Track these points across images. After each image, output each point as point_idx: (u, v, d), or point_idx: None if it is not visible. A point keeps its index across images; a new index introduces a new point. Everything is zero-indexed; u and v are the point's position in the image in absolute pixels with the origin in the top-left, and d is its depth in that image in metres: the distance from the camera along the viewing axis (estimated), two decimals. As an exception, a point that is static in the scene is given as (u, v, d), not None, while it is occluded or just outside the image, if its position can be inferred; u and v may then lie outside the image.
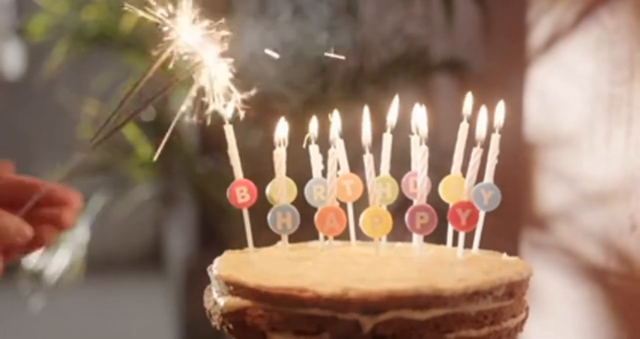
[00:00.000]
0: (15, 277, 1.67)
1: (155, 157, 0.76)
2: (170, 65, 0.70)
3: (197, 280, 0.87)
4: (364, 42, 1.63)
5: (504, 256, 0.77)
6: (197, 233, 2.27)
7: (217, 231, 1.65)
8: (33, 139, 3.09)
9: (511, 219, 1.30)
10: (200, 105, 0.72)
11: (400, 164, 0.82)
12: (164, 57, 0.69)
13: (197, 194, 1.77)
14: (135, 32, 1.57)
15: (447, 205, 0.77)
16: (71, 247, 1.61)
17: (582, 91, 1.17)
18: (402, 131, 0.80)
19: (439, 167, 0.82)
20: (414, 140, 0.78)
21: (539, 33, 1.27)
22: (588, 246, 1.16)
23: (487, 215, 0.76)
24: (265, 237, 0.80)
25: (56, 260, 1.60)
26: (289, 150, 0.77)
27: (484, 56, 1.47)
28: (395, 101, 0.80)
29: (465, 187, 0.76)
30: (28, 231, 0.68)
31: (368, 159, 0.77)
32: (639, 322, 1.09)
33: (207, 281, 0.76)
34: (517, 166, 1.30)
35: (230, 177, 0.79)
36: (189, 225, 2.32)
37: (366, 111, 0.78)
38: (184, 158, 1.70)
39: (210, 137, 1.74)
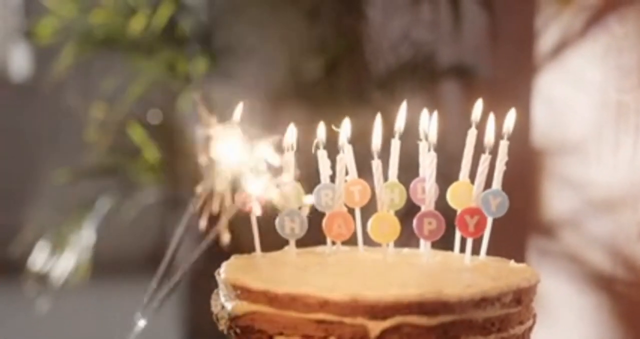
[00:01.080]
0: (21, 279, 1.67)
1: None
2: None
3: (202, 284, 0.87)
4: (371, 47, 1.63)
5: (512, 262, 0.77)
6: (202, 237, 2.27)
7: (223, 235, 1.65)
8: (40, 141, 3.10)
9: (518, 226, 1.30)
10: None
11: (408, 170, 0.82)
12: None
13: (204, 198, 1.77)
14: (142, 35, 1.58)
15: (454, 211, 0.77)
16: (77, 250, 1.61)
17: (589, 98, 1.17)
18: (410, 136, 0.80)
19: (446, 174, 0.82)
20: (422, 146, 0.78)
21: (546, 40, 1.27)
22: (595, 253, 1.16)
23: (494, 222, 0.76)
24: (273, 241, 0.80)
25: (62, 262, 1.60)
26: (297, 155, 0.77)
27: (491, 62, 1.47)
28: (403, 106, 0.80)
29: (474, 193, 0.76)
30: None
31: (376, 164, 0.77)
32: (645, 330, 1.09)
33: (213, 285, 0.76)
34: (524, 172, 1.30)
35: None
36: (194, 229, 2.31)
37: (378, 117, 0.78)
38: (191, 162, 1.70)
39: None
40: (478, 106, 0.78)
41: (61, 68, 1.64)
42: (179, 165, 1.69)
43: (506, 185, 0.76)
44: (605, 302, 1.15)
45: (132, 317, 0.75)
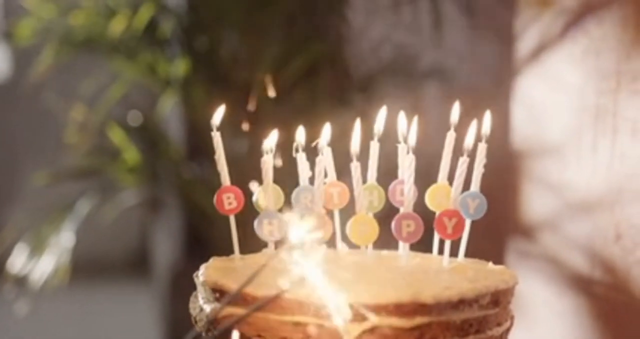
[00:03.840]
0: (0, 282, 1.66)
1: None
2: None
3: (182, 286, 0.87)
4: (352, 49, 1.63)
5: (490, 264, 0.78)
6: (183, 239, 2.26)
7: (203, 237, 1.65)
8: (19, 143, 3.08)
9: (497, 228, 1.30)
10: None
11: (387, 172, 0.82)
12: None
13: (184, 200, 1.77)
14: (122, 37, 1.57)
15: (433, 213, 0.77)
16: (56, 252, 1.60)
17: (568, 101, 1.18)
18: (389, 139, 0.80)
19: (425, 176, 0.82)
20: (401, 148, 0.78)
21: (526, 43, 1.28)
22: (573, 255, 1.16)
23: (473, 224, 0.77)
24: (252, 244, 0.80)
25: (41, 265, 1.60)
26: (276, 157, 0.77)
27: (471, 65, 1.47)
28: (383, 110, 0.80)
29: (452, 195, 0.76)
30: None
31: (355, 167, 0.77)
32: (622, 331, 1.10)
33: (193, 287, 0.76)
34: (503, 175, 1.30)
35: (217, 183, 0.78)
36: (175, 231, 2.31)
37: (357, 120, 0.78)
38: (171, 164, 1.70)
39: (197, 143, 1.74)
40: (455, 109, 0.78)
41: (41, 69, 1.63)
42: (158, 167, 1.69)
43: (485, 187, 0.76)
44: (583, 303, 1.15)
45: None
